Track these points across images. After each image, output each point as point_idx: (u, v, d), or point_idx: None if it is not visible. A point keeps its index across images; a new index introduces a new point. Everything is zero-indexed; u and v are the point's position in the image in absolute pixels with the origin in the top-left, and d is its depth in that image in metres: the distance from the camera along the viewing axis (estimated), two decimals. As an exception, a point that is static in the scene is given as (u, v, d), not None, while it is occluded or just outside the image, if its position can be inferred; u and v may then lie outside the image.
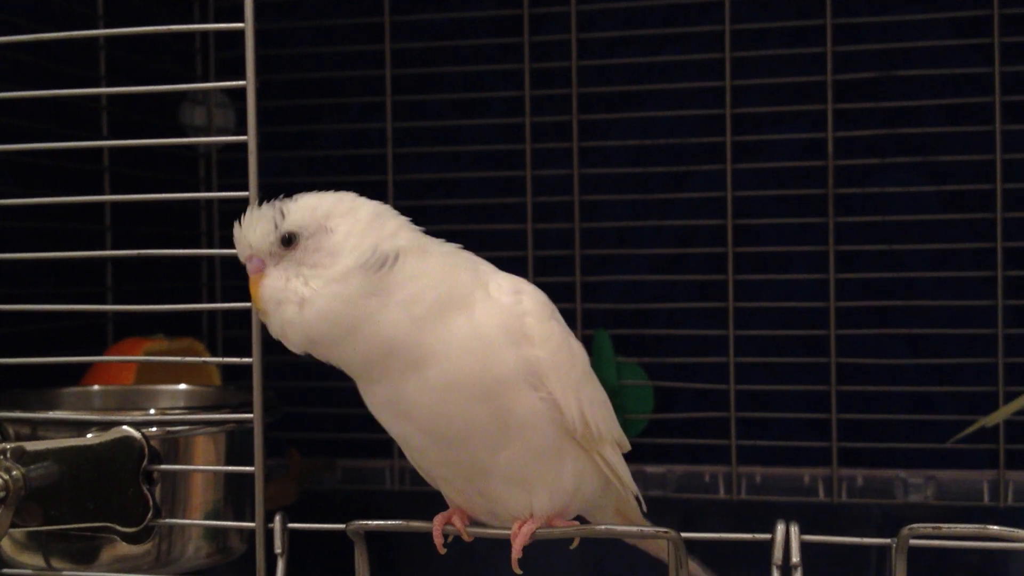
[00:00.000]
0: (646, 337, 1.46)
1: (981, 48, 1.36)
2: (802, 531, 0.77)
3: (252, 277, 0.73)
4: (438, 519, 0.81)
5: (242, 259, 0.74)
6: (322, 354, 0.73)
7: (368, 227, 0.72)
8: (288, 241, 0.72)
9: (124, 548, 0.91)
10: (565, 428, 0.75)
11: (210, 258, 1.55)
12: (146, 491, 0.84)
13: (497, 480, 0.75)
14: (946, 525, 0.73)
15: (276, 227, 0.72)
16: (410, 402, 0.72)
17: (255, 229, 0.72)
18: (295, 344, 0.72)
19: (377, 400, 0.74)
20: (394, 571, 1.35)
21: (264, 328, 0.78)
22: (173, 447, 0.94)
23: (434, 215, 1.51)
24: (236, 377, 1.34)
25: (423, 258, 0.73)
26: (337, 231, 0.71)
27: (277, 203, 0.73)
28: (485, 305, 0.73)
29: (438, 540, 0.80)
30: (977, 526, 0.73)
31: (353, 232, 0.71)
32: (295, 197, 0.74)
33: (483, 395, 0.72)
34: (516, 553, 0.77)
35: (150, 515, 0.84)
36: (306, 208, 0.72)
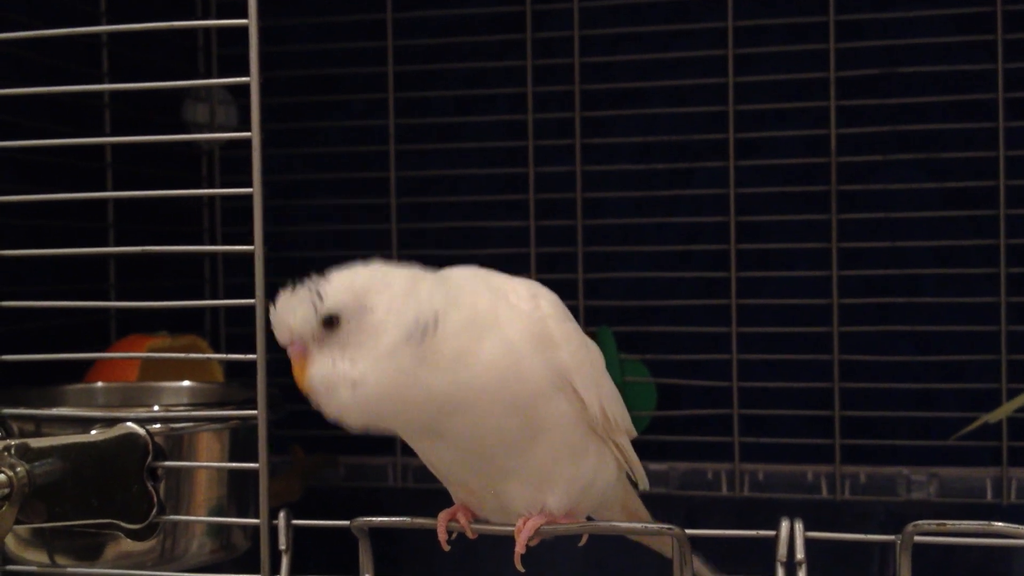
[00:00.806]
0: (649, 334, 1.46)
1: (984, 44, 1.36)
2: (805, 528, 0.77)
3: (296, 362, 0.73)
4: (442, 516, 0.81)
5: (282, 344, 0.74)
6: (380, 428, 0.73)
7: (406, 298, 0.72)
8: (330, 323, 0.71)
9: (128, 545, 0.91)
10: (588, 423, 0.77)
11: (213, 255, 1.55)
12: (150, 488, 0.84)
13: (516, 481, 0.76)
14: (951, 522, 0.73)
15: (316, 311, 0.71)
16: (446, 426, 0.73)
17: (295, 314, 0.71)
18: (354, 425, 0.72)
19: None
20: (398, 567, 1.35)
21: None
22: (177, 444, 0.94)
23: (436, 212, 1.51)
24: (239, 374, 1.34)
25: (456, 312, 0.72)
26: (377, 308, 0.71)
27: (311, 284, 0.72)
28: (509, 316, 0.73)
29: (442, 537, 0.80)
30: (981, 523, 0.73)
31: (393, 307, 0.71)
32: (327, 276, 0.73)
33: (518, 408, 0.72)
34: (520, 548, 0.77)
35: (154, 512, 0.84)
36: (343, 289, 0.71)
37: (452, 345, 0.71)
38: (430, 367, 0.70)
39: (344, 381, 0.70)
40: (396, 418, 0.72)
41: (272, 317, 0.74)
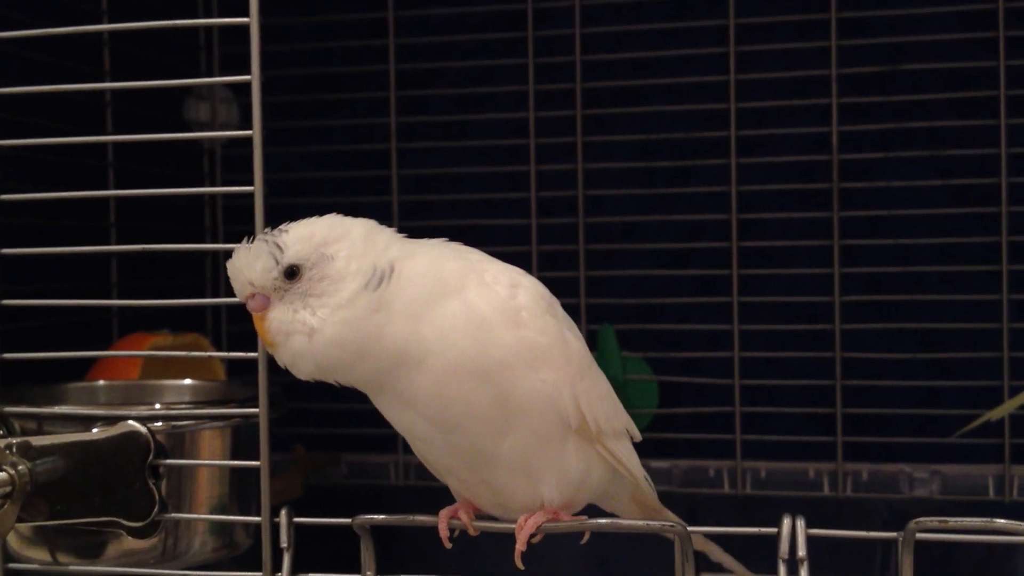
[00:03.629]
0: (651, 332, 1.46)
1: (987, 42, 1.36)
2: (807, 526, 0.77)
3: (257, 314, 0.73)
4: (444, 513, 0.81)
5: (241, 298, 0.74)
6: (332, 378, 0.74)
7: (364, 247, 0.73)
8: (291, 274, 0.72)
9: (130, 543, 0.91)
10: (563, 419, 0.76)
11: (214, 253, 1.55)
12: (152, 486, 0.84)
13: (502, 469, 0.75)
14: (953, 519, 0.73)
15: (277, 262, 0.72)
16: (414, 393, 0.73)
17: (255, 266, 0.72)
18: (305, 373, 0.73)
19: (383, 398, 0.75)
20: (399, 565, 1.34)
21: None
22: (179, 442, 0.94)
23: (438, 210, 1.51)
24: (240, 372, 1.34)
25: (412, 262, 0.73)
26: (338, 257, 0.72)
27: (268, 237, 0.73)
28: (479, 290, 0.73)
29: (444, 534, 0.80)
30: (984, 519, 0.73)
31: (353, 255, 0.72)
32: (283, 228, 0.74)
33: (482, 377, 0.72)
34: (520, 546, 0.77)
35: (156, 510, 0.84)
36: (303, 239, 0.73)
37: (408, 294, 0.71)
38: (385, 314, 0.71)
39: (303, 328, 0.71)
40: (351, 368, 0.72)
41: (229, 270, 0.74)
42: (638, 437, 0.84)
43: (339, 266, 0.72)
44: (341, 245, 0.73)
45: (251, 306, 0.74)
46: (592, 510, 0.83)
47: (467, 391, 0.72)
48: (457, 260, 0.75)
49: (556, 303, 0.79)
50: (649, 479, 0.86)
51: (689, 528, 0.76)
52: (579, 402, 0.76)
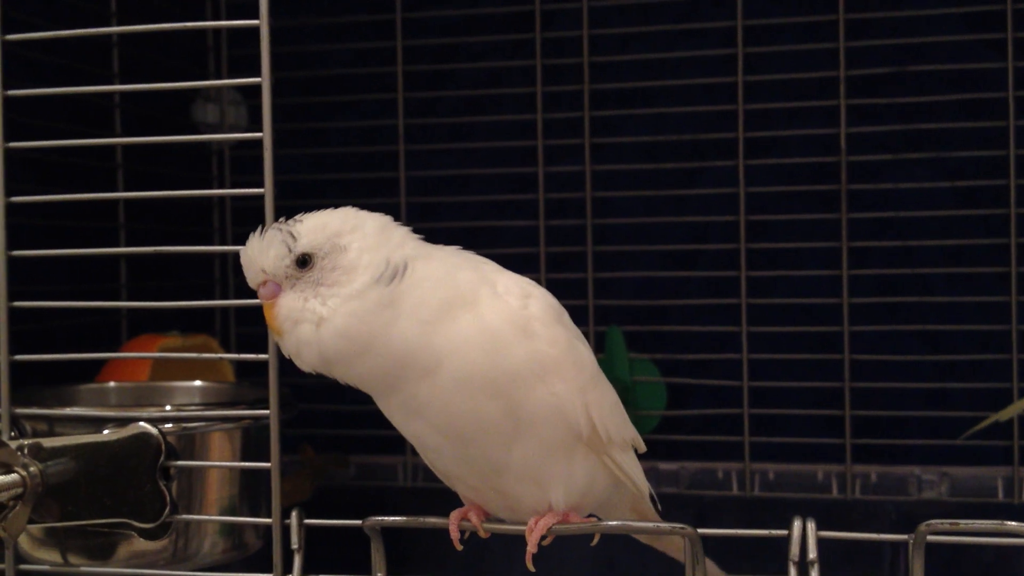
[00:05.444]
0: (659, 333, 1.46)
1: (994, 43, 1.35)
2: (816, 528, 0.77)
3: (266, 302, 0.74)
4: (455, 515, 0.81)
5: (253, 285, 0.75)
6: (336, 372, 0.73)
7: (377, 241, 0.73)
8: (303, 263, 0.72)
9: (141, 544, 0.91)
10: (573, 430, 0.76)
11: (223, 255, 1.56)
12: (163, 487, 0.84)
13: (511, 477, 0.75)
14: (964, 521, 0.73)
15: (290, 250, 0.72)
16: (423, 403, 0.73)
17: (268, 253, 0.73)
18: (308, 363, 0.73)
19: (391, 404, 0.75)
20: (409, 567, 1.35)
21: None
22: (189, 443, 0.95)
23: (446, 212, 1.51)
24: (249, 373, 1.35)
25: (427, 263, 0.74)
26: (350, 248, 0.72)
27: (283, 226, 0.74)
28: (492, 302, 0.73)
29: (455, 536, 0.81)
30: (995, 522, 0.72)
31: (365, 247, 0.72)
32: (298, 218, 0.74)
33: (494, 390, 0.72)
34: (531, 548, 0.77)
35: (167, 511, 0.84)
36: (317, 228, 0.73)
37: (419, 295, 0.71)
38: (395, 311, 0.71)
39: (311, 317, 0.71)
40: (355, 363, 0.72)
41: (242, 258, 0.74)
42: (643, 448, 0.84)
43: (351, 257, 0.72)
44: (354, 236, 0.73)
45: (262, 294, 0.74)
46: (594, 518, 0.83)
47: (477, 403, 0.72)
48: (471, 270, 0.75)
49: (565, 314, 0.79)
50: (655, 496, 0.86)
51: (700, 531, 0.76)
52: (589, 411, 0.76)
